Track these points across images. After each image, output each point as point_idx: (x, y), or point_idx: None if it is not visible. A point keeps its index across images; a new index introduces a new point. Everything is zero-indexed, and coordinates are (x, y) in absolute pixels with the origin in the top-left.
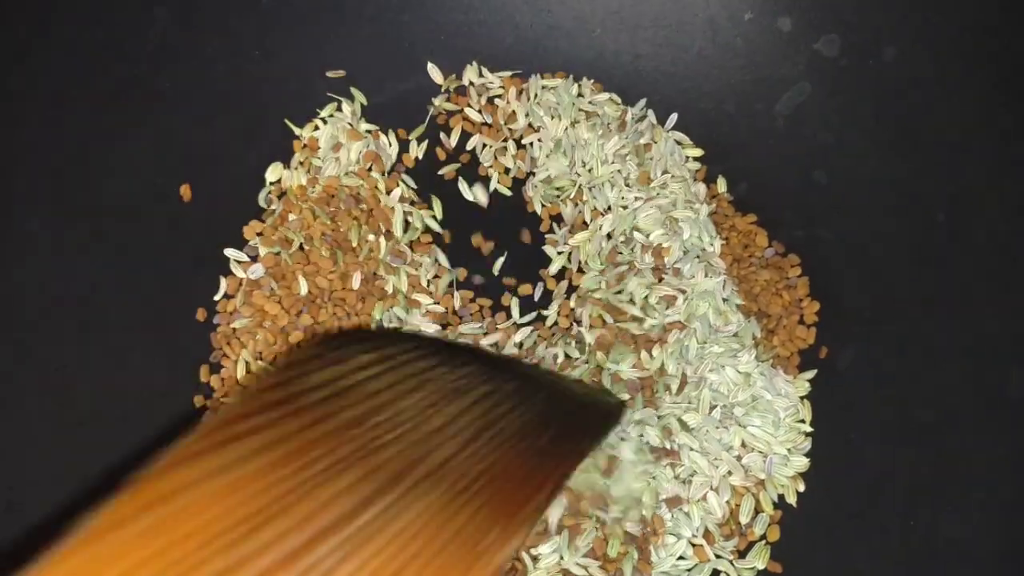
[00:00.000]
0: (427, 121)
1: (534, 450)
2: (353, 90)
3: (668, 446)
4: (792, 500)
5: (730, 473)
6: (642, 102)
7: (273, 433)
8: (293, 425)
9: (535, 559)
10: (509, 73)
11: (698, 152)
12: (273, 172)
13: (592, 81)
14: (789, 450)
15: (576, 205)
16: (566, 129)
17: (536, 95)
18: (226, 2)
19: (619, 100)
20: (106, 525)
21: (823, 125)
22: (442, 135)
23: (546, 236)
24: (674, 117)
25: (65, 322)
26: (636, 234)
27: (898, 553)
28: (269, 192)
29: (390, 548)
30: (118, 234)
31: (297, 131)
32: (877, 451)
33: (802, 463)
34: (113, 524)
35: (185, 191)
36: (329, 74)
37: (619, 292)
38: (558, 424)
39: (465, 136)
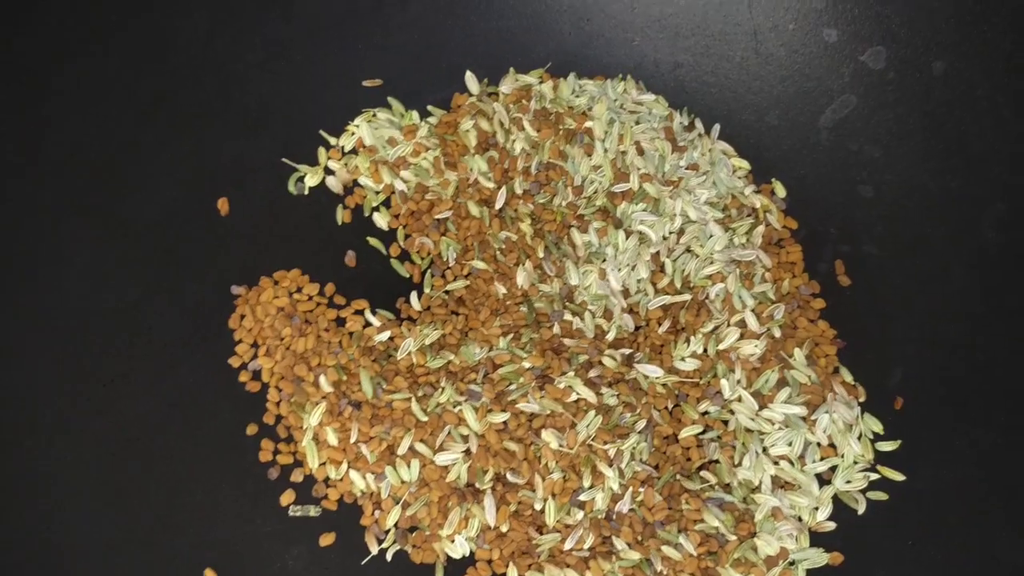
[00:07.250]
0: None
1: None
2: (390, 99)
3: None
4: (860, 508)
5: None
6: (684, 111)
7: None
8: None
9: None
10: (543, 69)
11: (745, 165)
12: (313, 177)
13: (637, 82)
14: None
15: None
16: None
17: (574, 90)
18: (262, 10)
19: (665, 103)
20: None
21: (869, 139)
22: None
23: None
24: (717, 128)
25: (109, 336)
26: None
27: None
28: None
29: None
30: (158, 249)
31: (333, 141)
32: (931, 472)
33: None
34: None
35: (223, 204)
36: (366, 83)
37: None
38: None
39: None
